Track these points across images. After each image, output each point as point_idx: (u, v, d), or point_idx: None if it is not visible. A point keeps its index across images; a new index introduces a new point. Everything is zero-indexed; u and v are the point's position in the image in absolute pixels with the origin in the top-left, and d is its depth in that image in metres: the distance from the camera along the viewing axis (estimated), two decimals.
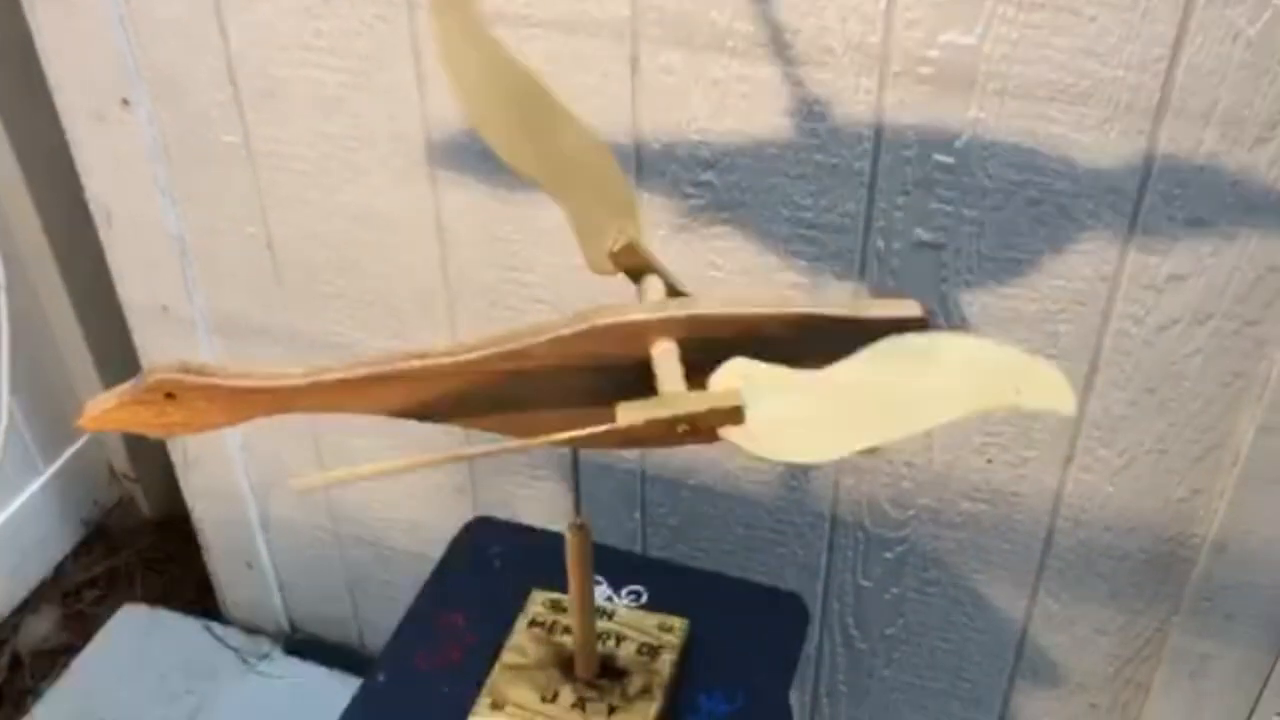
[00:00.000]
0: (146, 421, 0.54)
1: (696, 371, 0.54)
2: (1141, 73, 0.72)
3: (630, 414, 0.52)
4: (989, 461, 0.92)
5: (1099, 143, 0.75)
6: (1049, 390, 0.49)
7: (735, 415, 0.52)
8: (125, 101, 0.99)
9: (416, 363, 0.56)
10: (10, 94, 1.14)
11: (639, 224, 0.64)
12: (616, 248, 0.63)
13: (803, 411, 0.52)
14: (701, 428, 0.52)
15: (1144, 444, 0.87)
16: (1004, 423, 0.90)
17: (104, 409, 0.54)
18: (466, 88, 0.62)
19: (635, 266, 0.63)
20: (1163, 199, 0.76)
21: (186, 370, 0.53)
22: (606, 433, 0.53)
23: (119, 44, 0.96)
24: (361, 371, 0.55)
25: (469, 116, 0.64)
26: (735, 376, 0.52)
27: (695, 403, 0.52)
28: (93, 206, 1.08)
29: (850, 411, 0.52)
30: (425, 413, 0.59)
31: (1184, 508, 0.90)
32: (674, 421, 0.52)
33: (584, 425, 0.60)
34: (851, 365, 0.50)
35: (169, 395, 0.53)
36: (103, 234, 1.10)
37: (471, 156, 0.91)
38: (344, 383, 0.55)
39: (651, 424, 0.52)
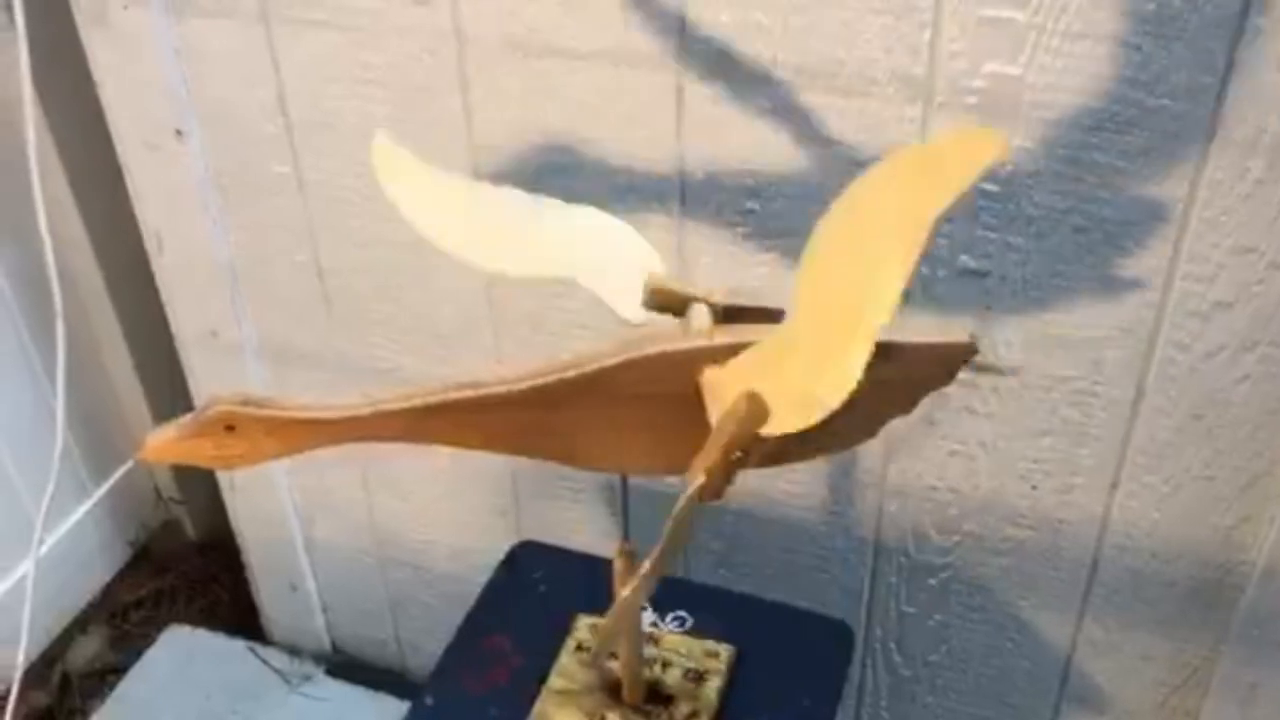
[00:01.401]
0: (206, 453, 0.55)
1: None
2: (1188, 101, 0.72)
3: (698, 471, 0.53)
4: (1034, 488, 0.92)
5: (1144, 170, 0.75)
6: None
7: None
8: (178, 132, 1.01)
9: (469, 393, 0.57)
10: (65, 123, 1.16)
11: (660, 259, 0.64)
12: (647, 294, 0.62)
13: None
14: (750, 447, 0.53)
15: (1191, 470, 0.87)
16: (1050, 449, 0.89)
17: (164, 441, 0.55)
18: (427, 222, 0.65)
19: (672, 303, 0.62)
20: (1209, 226, 0.76)
21: (248, 402, 0.53)
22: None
23: (173, 76, 0.98)
24: (417, 402, 0.56)
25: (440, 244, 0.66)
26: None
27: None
28: (145, 234, 1.10)
29: None
30: (476, 442, 0.60)
31: (1232, 534, 0.89)
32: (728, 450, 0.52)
33: (634, 452, 0.61)
34: None
35: (229, 427, 0.54)
36: (154, 261, 1.12)
37: (515, 186, 0.92)
38: (402, 413, 0.56)
39: (718, 466, 0.52)
